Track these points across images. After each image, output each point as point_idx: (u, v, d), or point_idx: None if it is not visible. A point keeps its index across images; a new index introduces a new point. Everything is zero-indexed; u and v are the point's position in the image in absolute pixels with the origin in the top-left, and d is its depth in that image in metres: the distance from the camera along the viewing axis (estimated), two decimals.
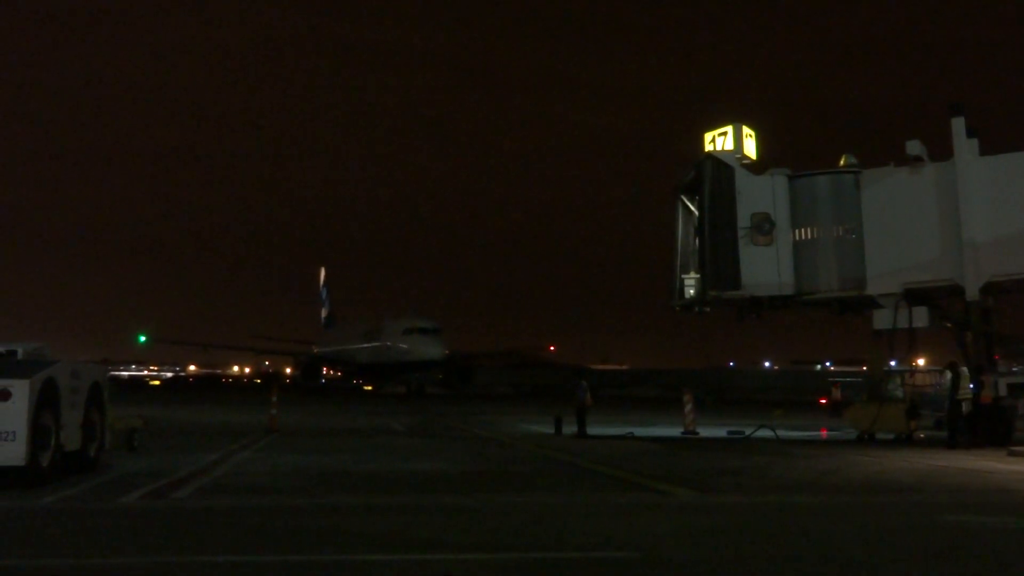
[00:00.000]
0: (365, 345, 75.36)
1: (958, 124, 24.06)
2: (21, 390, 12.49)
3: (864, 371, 25.11)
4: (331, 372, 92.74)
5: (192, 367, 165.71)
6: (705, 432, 26.96)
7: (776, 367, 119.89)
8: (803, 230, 25.53)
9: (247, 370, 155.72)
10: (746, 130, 26.43)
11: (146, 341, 71.14)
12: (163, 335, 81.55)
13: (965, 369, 23.63)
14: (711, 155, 26.07)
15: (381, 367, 73.92)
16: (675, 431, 27.58)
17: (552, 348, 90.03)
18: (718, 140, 26.39)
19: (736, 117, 26.77)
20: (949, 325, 25.98)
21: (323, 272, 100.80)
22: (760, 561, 8.51)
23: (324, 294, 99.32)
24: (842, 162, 25.99)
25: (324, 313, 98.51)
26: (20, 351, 14.23)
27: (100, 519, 10.73)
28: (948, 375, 23.67)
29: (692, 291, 26.59)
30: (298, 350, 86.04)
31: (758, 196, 25.59)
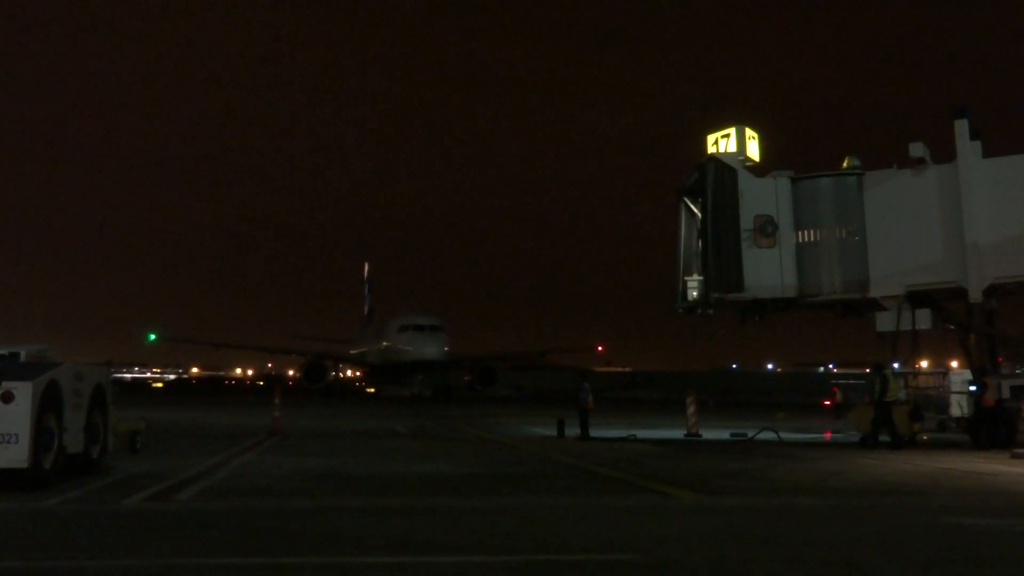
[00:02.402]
0: (374, 345, 70.25)
1: (961, 126, 24.01)
2: (24, 392, 12.51)
3: (867, 373, 24.99)
4: (344, 374, 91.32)
5: (195, 369, 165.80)
6: (708, 434, 26.93)
7: (779, 369, 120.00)
8: (806, 232, 25.48)
9: (250, 372, 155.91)
10: (749, 132, 26.38)
11: (156, 339, 68.57)
12: (173, 333, 78.43)
13: (890, 371, 24.12)
14: (714, 157, 26.03)
15: (386, 368, 68.71)
16: (678, 433, 27.55)
17: (601, 348, 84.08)
18: (721, 142, 26.35)
19: (739, 119, 26.71)
20: (952, 327, 25.93)
21: (367, 267, 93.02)
22: (763, 563, 8.50)
23: (367, 290, 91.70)
24: (845, 164, 25.94)
25: (366, 310, 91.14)
26: (23, 353, 14.24)
27: (103, 521, 10.73)
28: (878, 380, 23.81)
29: (695, 293, 26.54)
30: (336, 351, 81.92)
31: (761, 198, 25.56)
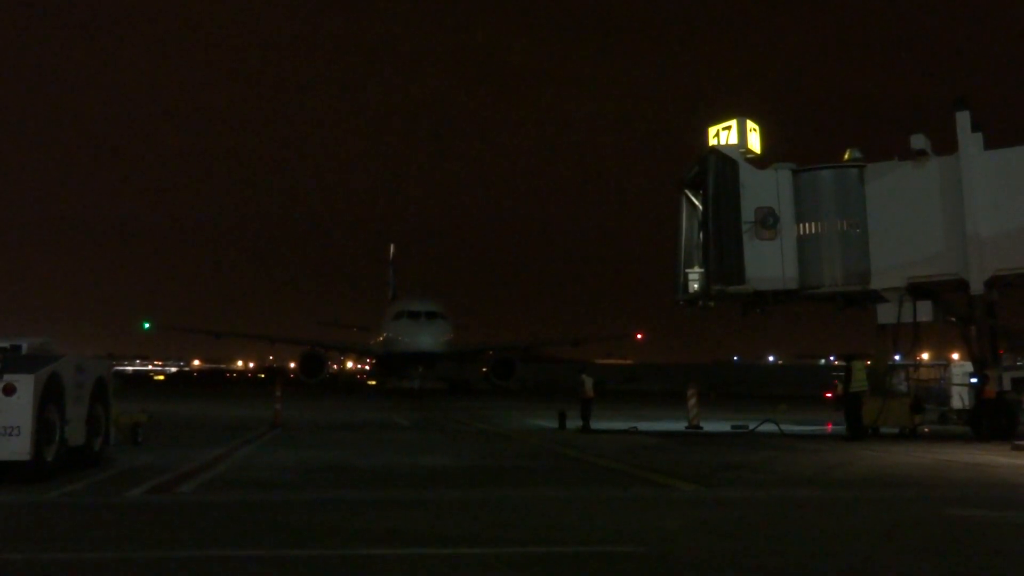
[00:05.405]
0: (378, 335, 66.08)
1: (963, 118, 23.97)
2: (26, 385, 12.52)
3: (867, 365, 25.04)
4: (345, 366, 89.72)
5: (196, 362, 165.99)
6: (709, 426, 26.96)
7: (780, 361, 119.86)
8: (807, 224, 25.48)
9: (251, 364, 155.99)
10: (750, 124, 26.35)
11: (150, 328, 67.08)
12: (168, 322, 76.76)
13: (866, 363, 24.49)
14: (715, 149, 26.00)
15: (388, 359, 63.94)
16: (679, 425, 27.58)
17: (640, 336, 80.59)
18: (722, 134, 26.30)
19: (740, 111, 26.68)
20: (953, 319, 25.95)
21: (392, 249, 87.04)
22: (764, 555, 8.51)
23: (391, 273, 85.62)
24: (846, 156, 25.92)
25: (390, 295, 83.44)
26: (25, 346, 14.24)
27: (104, 514, 10.75)
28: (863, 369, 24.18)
29: (696, 286, 26.53)
30: (350, 340, 77.77)
31: (762, 190, 25.54)
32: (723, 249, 25.31)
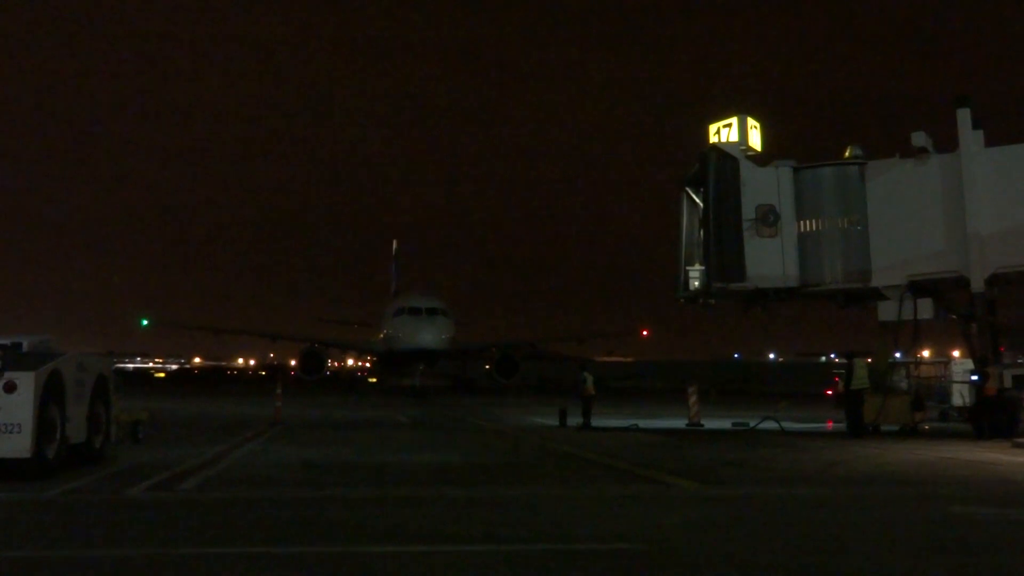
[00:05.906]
0: (378, 332, 64.29)
1: (964, 115, 23.95)
2: (26, 382, 12.53)
3: (868, 363, 25.03)
4: (345, 363, 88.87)
5: (197, 359, 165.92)
6: (710, 424, 26.94)
7: (781, 359, 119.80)
8: (808, 222, 25.46)
9: (252, 362, 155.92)
10: (751, 121, 26.33)
11: (148, 325, 66.20)
12: (167, 318, 75.80)
13: (867, 360, 24.58)
14: (716, 147, 25.97)
15: (388, 357, 62.01)
16: (680, 423, 27.56)
17: (645, 333, 75.34)
18: (723, 132, 26.28)
19: (741, 108, 26.62)
20: (954, 317, 25.92)
21: (395, 245, 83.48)
22: (765, 553, 8.51)
23: (393, 269, 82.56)
24: (847, 154, 25.90)
25: (393, 291, 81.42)
26: (25, 344, 14.26)
27: (105, 511, 10.76)
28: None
29: (697, 283, 26.51)
30: (350, 338, 74.75)
31: (763, 188, 25.52)
32: (724, 247, 25.30)
